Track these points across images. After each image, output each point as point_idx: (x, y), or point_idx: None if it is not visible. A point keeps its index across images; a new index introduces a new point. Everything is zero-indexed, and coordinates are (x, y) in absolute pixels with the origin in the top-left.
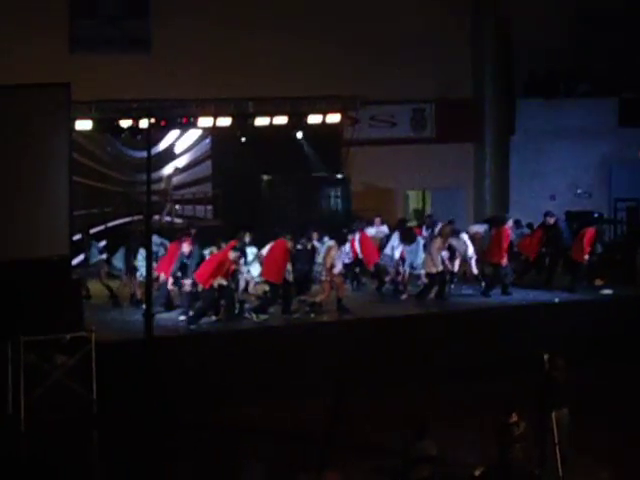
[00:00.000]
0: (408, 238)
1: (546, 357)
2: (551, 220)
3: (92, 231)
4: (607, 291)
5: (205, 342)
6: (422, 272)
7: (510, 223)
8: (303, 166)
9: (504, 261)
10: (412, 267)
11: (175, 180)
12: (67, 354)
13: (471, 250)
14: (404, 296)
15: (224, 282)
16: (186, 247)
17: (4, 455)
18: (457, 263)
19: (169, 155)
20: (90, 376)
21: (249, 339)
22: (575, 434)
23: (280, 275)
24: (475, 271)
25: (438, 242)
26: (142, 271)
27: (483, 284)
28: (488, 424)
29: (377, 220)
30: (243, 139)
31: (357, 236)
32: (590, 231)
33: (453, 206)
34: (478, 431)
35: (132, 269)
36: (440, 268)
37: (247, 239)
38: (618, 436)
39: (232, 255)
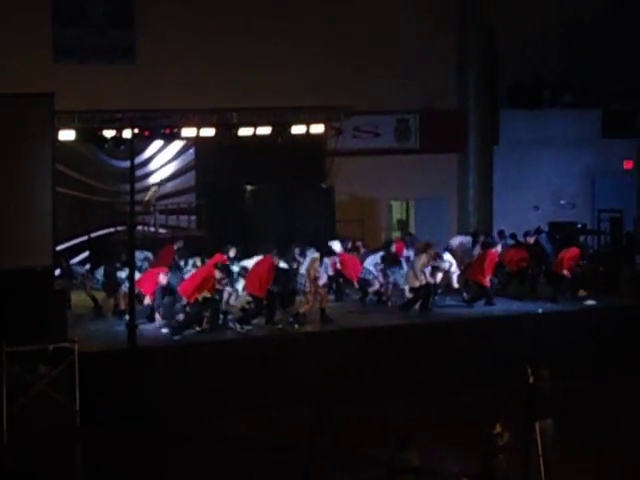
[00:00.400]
0: (392, 262)
1: (530, 368)
2: (531, 240)
3: (74, 242)
4: (591, 302)
5: (189, 353)
6: (406, 287)
7: (499, 248)
8: (287, 176)
9: (486, 282)
10: (395, 285)
11: (159, 191)
12: (50, 365)
13: (454, 267)
14: (390, 303)
15: (208, 295)
16: (163, 278)
17: None
18: (439, 276)
19: (153, 165)
20: (73, 387)
21: (233, 350)
22: (559, 444)
23: (263, 289)
24: (455, 285)
25: (423, 260)
26: (125, 284)
27: (465, 294)
28: (472, 435)
29: (359, 244)
30: (226, 149)
31: (337, 259)
32: (574, 251)
33: (436, 216)
34: (462, 441)
35: (114, 282)
36: (423, 282)
37: (232, 254)
38: (602, 447)
39: (217, 275)
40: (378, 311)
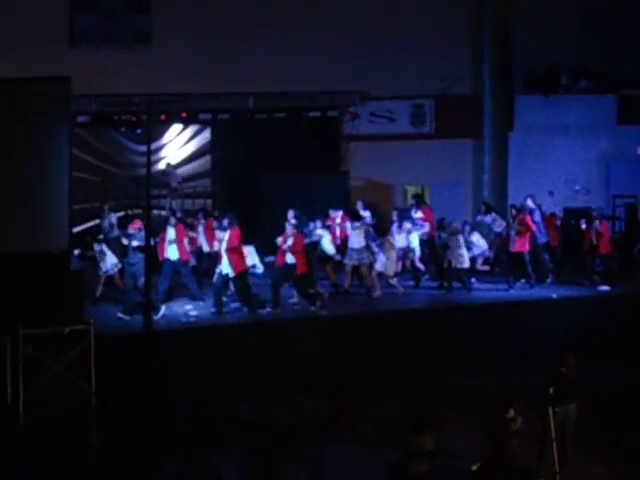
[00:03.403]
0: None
1: (562, 354)
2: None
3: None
4: (605, 287)
5: (204, 336)
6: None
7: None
8: (303, 161)
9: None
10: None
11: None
12: (66, 347)
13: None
14: (377, 293)
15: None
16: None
17: (3, 447)
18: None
19: (170, 149)
20: (89, 369)
21: (249, 333)
22: (580, 430)
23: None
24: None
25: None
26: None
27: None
28: (486, 419)
29: (359, 204)
30: (242, 134)
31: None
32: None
33: (452, 201)
34: (476, 426)
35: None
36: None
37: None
38: (620, 434)
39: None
40: (391, 294)
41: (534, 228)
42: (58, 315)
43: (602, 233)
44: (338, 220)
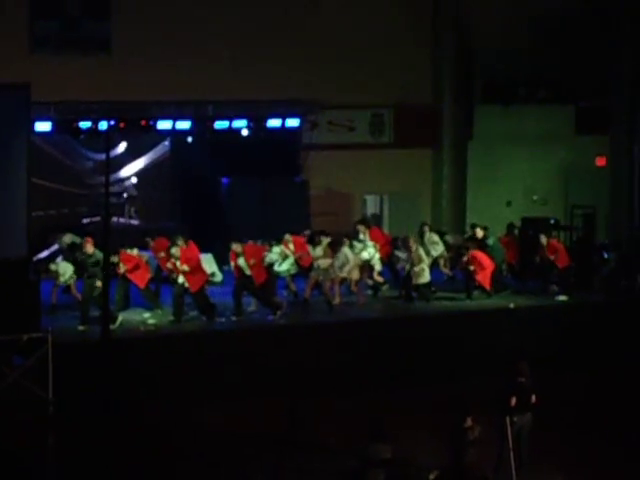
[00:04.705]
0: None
1: (518, 363)
2: (480, 233)
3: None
4: (562, 297)
5: (162, 344)
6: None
7: None
8: (262, 170)
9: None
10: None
11: (133, 182)
12: (24, 355)
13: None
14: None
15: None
16: (89, 247)
17: None
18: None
19: (128, 157)
20: (47, 377)
21: (204, 341)
22: (535, 439)
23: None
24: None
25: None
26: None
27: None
28: (444, 428)
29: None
30: (201, 142)
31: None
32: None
33: (410, 211)
34: (433, 434)
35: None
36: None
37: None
38: (576, 442)
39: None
40: (356, 303)
41: (487, 264)
42: (16, 323)
43: (557, 248)
44: (290, 246)
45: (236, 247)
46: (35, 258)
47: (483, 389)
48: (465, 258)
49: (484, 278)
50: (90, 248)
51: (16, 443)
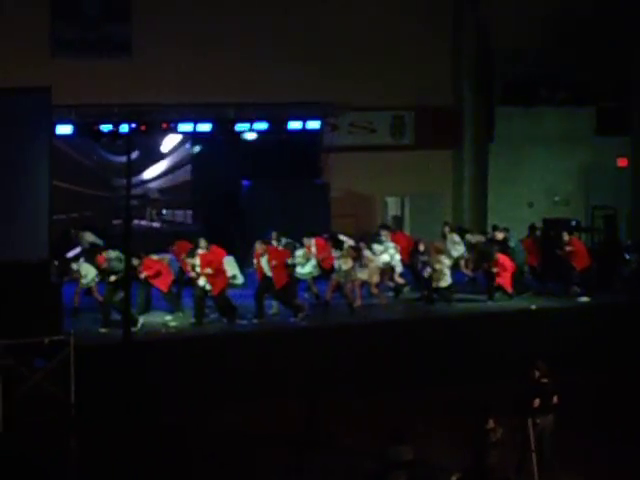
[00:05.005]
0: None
1: (537, 364)
2: (500, 235)
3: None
4: (584, 299)
5: (184, 346)
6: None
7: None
8: (283, 172)
9: None
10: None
11: (155, 185)
12: (46, 357)
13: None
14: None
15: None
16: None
17: None
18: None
19: (149, 160)
20: (68, 380)
21: (229, 343)
22: (557, 441)
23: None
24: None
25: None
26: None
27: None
28: (465, 429)
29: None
30: (222, 145)
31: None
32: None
33: (431, 212)
34: (455, 436)
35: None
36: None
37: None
38: (598, 443)
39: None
40: (377, 305)
41: (509, 266)
42: (37, 325)
43: (575, 251)
44: (313, 249)
45: (260, 247)
46: (56, 261)
47: (505, 391)
48: (487, 264)
49: (505, 280)
50: (104, 264)
51: (38, 445)
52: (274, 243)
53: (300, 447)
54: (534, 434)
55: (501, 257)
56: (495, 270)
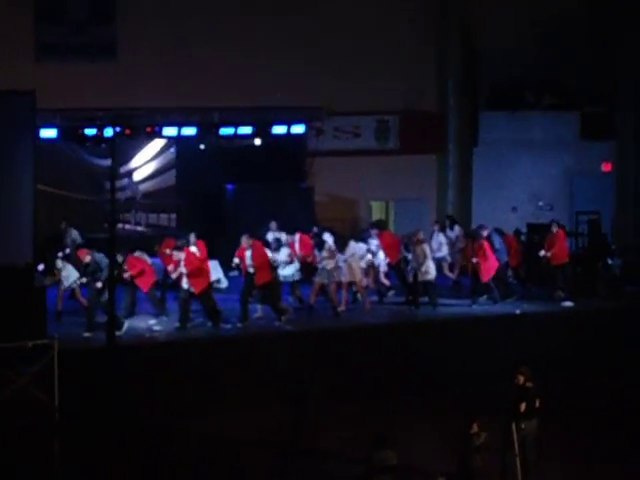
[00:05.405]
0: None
1: (518, 369)
2: (484, 233)
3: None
4: (568, 303)
5: (167, 350)
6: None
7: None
8: (267, 176)
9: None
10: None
11: (140, 188)
12: (30, 362)
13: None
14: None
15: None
16: (85, 258)
17: None
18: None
19: (134, 164)
20: (52, 384)
21: (213, 348)
22: (541, 445)
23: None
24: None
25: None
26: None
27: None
28: (449, 434)
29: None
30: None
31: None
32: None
33: (416, 217)
34: (439, 441)
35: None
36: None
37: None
38: (581, 448)
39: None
40: (361, 310)
41: (490, 255)
42: (21, 330)
43: (559, 245)
44: (296, 245)
45: (246, 240)
46: (42, 265)
47: (489, 395)
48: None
49: (487, 270)
50: (87, 258)
51: (21, 449)
52: (273, 234)
53: (285, 452)
54: (518, 438)
55: (486, 244)
56: (476, 260)
